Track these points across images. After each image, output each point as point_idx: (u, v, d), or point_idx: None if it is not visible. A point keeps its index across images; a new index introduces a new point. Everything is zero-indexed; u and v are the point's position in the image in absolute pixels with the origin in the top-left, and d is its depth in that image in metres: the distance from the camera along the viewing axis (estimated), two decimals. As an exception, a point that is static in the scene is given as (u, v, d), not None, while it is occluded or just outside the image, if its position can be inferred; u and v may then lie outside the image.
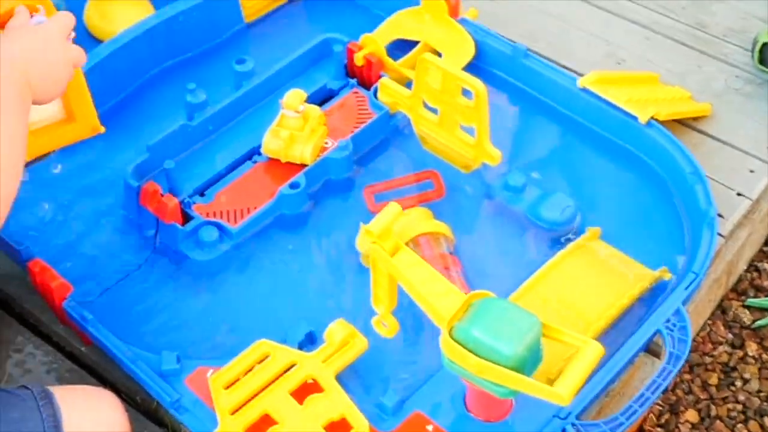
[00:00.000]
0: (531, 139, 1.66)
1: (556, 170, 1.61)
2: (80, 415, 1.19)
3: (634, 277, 1.43)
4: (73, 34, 1.17)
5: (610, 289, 1.42)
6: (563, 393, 1.12)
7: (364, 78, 1.70)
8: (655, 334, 1.34)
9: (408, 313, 1.35)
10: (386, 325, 1.32)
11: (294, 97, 1.54)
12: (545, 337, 1.19)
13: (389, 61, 1.69)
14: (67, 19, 1.17)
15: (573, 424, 1.24)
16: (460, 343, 1.17)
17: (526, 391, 1.15)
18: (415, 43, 1.77)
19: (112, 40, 1.69)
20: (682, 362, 1.30)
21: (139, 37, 1.70)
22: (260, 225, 1.51)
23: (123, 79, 1.70)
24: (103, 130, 1.32)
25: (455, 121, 1.55)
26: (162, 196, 1.47)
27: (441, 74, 1.52)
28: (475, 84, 1.49)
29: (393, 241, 1.22)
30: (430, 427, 1.27)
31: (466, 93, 1.50)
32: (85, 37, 1.78)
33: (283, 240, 1.52)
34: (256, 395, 1.27)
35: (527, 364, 1.16)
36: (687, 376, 1.67)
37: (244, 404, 1.26)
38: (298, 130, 1.54)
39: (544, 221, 1.51)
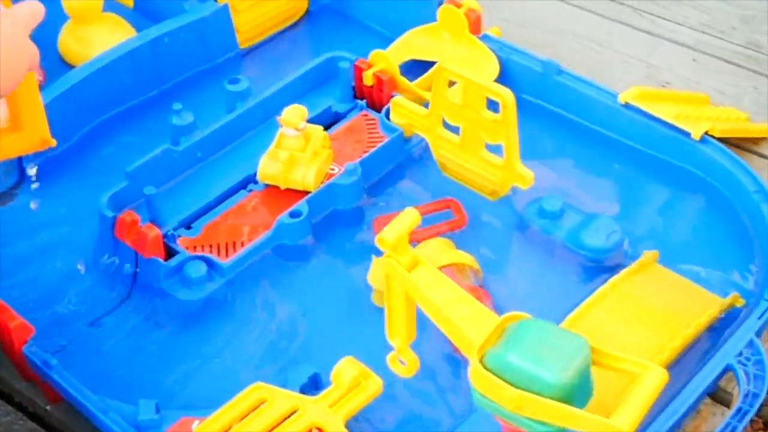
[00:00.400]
0: (566, 163, 1.53)
1: (596, 194, 1.48)
2: None
3: (700, 304, 1.28)
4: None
5: (672, 318, 1.27)
6: (622, 425, 0.97)
7: (374, 99, 1.57)
8: (725, 370, 1.19)
9: (430, 346, 1.19)
10: (404, 363, 1.16)
11: (293, 113, 1.41)
12: (596, 364, 1.04)
13: (403, 79, 1.57)
14: (36, 7, 1.05)
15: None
16: (494, 373, 1.02)
17: (575, 427, 0.99)
18: (430, 64, 1.64)
19: (89, 62, 1.58)
20: (759, 401, 1.15)
21: (120, 59, 1.58)
22: (255, 258, 1.36)
23: (100, 104, 1.58)
24: (54, 143, 1.17)
25: (480, 139, 1.42)
26: (141, 226, 1.32)
27: (463, 85, 1.39)
28: (502, 92, 1.36)
29: (411, 254, 1.08)
30: (461, 484, 1.10)
31: (491, 106, 1.37)
32: (58, 65, 1.66)
33: (282, 276, 1.37)
34: (250, 448, 1.11)
35: (575, 395, 1.01)
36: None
37: (235, 458, 1.10)
38: (299, 151, 1.41)
39: (587, 249, 1.37)
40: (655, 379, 1.01)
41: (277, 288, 1.37)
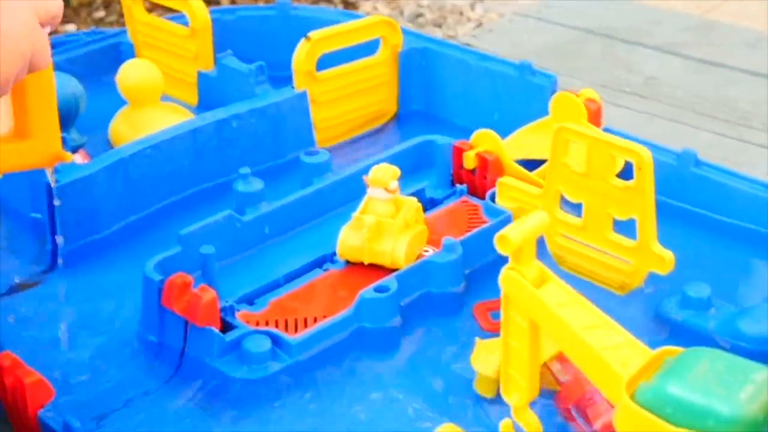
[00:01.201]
0: (705, 267, 1.38)
1: (746, 293, 1.33)
2: None
3: None
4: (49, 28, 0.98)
5: None
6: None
7: (477, 185, 1.46)
8: None
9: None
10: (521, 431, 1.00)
11: (383, 171, 1.30)
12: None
13: (512, 163, 1.46)
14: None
15: None
16: (648, 410, 0.85)
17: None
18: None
19: (144, 138, 1.49)
20: None
21: (180, 137, 1.50)
22: (331, 340, 1.22)
23: (152, 188, 1.48)
24: (69, 158, 1.09)
25: (607, 217, 1.29)
26: (194, 289, 1.20)
27: (587, 147, 1.28)
28: (638, 150, 1.24)
29: (538, 267, 0.94)
30: None
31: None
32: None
33: (362, 362, 1.23)
34: None
35: (761, 437, 0.84)
36: None
37: None
38: (388, 217, 1.29)
39: (747, 339, 1.21)
40: None
41: (355, 375, 1.22)
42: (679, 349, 0.91)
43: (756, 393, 0.84)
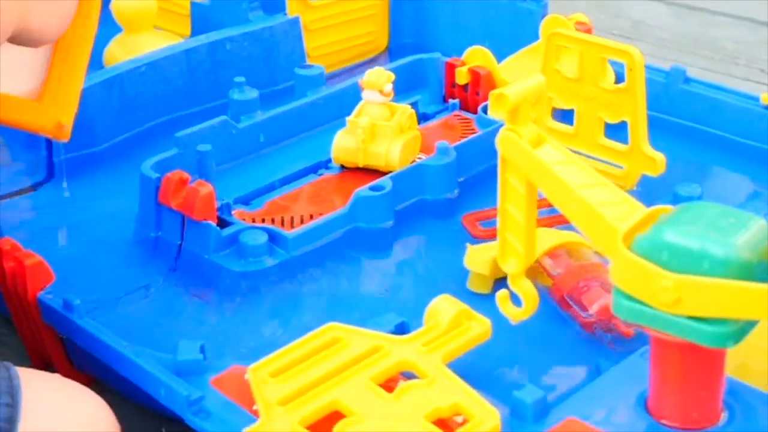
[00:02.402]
0: (695, 172, 1.39)
1: (733, 194, 1.34)
2: (51, 402, 0.90)
3: None
4: None
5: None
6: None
7: (469, 101, 1.46)
8: None
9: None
10: (519, 301, 1.00)
11: (378, 75, 1.30)
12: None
13: (505, 80, 1.46)
14: None
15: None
16: (644, 258, 0.86)
17: (755, 313, 0.82)
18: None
19: (138, 57, 1.49)
20: None
21: (174, 57, 1.50)
22: (326, 238, 1.22)
23: (146, 107, 1.48)
24: (67, 137, 1.03)
25: (598, 121, 1.30)
26: (191, 184, 1.20)
27: (579, 52, 1.29)
28: (629, 50, 1.25)
29: (534, 129, 0.94)
30: (593, 436, 0.92)
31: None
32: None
33: (357, 259, 1.23)
34: (320, 384, 0.94)
35: (754, 279, 0.84)
36: None
37: (300, 396, 0.93)
38: (383, 120, 1.30)
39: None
40: None
41: (351, 269, 1.22)
42: (673, 207, 0.91)
43: (750, 238, 0.85)
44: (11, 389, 0.90)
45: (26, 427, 0.88)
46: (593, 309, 1.11)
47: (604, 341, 1.08)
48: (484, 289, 1.18)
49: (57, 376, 0.97)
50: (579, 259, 1.16)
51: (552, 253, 1.17)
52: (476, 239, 1.26)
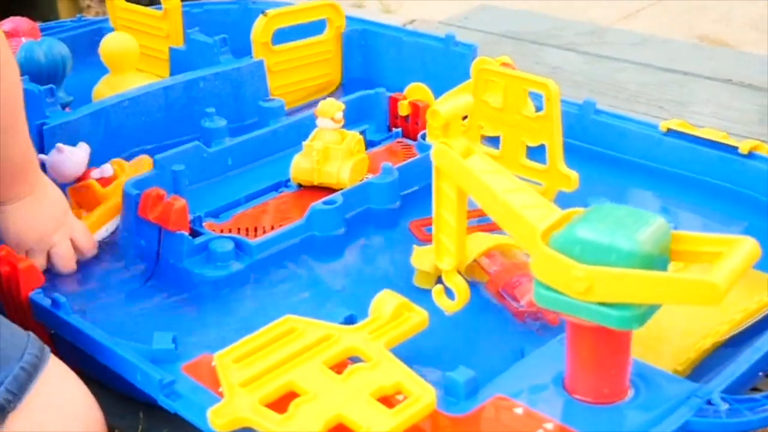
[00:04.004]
0: (605, 190, 1.37)
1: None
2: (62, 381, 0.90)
3: (761, 282, 1.10)
4: None
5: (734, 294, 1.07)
6: (717, 280, 0.78)
7: (410, 130, 1.44)
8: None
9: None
10: (453, 295, 0.98)
11: (330, 105, 1.28)
12: (675, 253, 0.86)
13: (439, 110, 1.44)
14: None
15: (723, 398, 0.87)
16: (559, 253, 0.84)
17: (658, 297, 0.81)
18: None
19: (122, 93, 1.46)
20: None
21: (154, 93, 1.47)
22: (285, 244, 1.20)
23: (130, 136, 1.45)
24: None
25: (521, 144, 1.29)
26: (167, 198, 1.17)
27: (504, 84, 1.28)
28: (546, 82, 1.24)
29: (464, 141, 0.92)
30: (519, 410, 0.89)
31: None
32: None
33: (313, 262, 1.20)
34: (277, 368, 0.91)
35: (655, 269, 0.83)
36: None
37: (260, 378, 0.90)
38: (334, 144, 1.27)
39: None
40: (748, 247, 0.83)
41: (308, 271, 1.19)
42: (586, 209, 0.89)
43: (651, 234, 0.84)
44: (42, 349, 0.92)
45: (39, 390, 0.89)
46: (524, 301, 1.10)
47: (534, 328, 1.06)
48: (429, 285, 1.14)
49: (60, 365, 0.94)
50: (511, 258, 1.15)
51: (488, 254, 1.15)
52: (422, 242, 1.23)
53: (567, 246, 0.84)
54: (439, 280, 1.12)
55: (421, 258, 1.16)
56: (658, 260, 0.83)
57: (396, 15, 2.69)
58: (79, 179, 1.24)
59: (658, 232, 0.84)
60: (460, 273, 1.02)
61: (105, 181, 1.25)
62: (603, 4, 2.63)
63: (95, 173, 1.26)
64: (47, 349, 0.93)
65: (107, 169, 1.26)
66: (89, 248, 1.17)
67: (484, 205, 0.91)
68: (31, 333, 0.93)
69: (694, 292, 0.79)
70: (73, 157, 1.23)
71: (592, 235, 0.83)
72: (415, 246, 1.17)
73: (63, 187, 1.21)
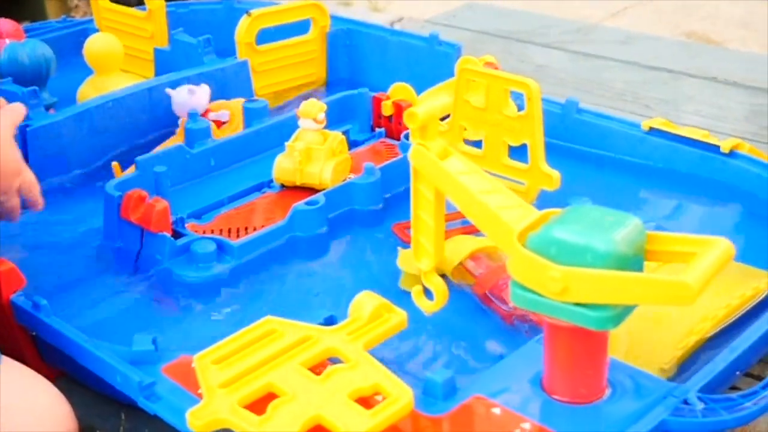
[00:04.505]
0: (586, 188, 1.37)
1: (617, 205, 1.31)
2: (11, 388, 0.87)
3: (747, 279, 1.10)
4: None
5: (716, 290, 1.08)
6: (690, 280, 0.78)
7: (393, 130, 1.45)
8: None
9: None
10: (431, 295, 0.98)
11: (312, 105, 1.28)
12: (650, 253, 0.87)
13: (422, 109, 1.45)
14: (18, 111, 1.05)
15: (700, 397, 0.88)
16: (536, 254, 0.84)
17: (632, 297, 0.81)
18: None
19: (108, 93, 1.46)
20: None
21: (138, 94, 1.47)
22: (268, 246, 1.20)
23: (115, 136, 1.45)
24: None
25: (503, 144, 1.29)
26: (148, 200, 1.17)
27: (486, 84, 1.28)
28: (527, 82, 1.24)
29: (441, 143, 0.92)
30: (497, 410, 0.90)
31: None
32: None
33: (295, 263, 1.21)
34: (257, 369, 0.91)
35: (630, 270, 0.83)
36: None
37: (239, 379, 0.90)
38: (317, 144, 1.28)
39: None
40: (722, 247, 0.83)
41: (290, 272, 1.19)
42: (562, 209, 0.90)
43: (627, 235, 0.84)
44: None
45: None
46: (512, 303, 1.09)
47: (522, 330, 1.06)
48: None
49: (21, 367, 0.93)
50: (496, 260, 1.15)
51: (473, 257, 1.15)
52: (406, 244, 1.23)
53: (543, 246, 0.84)
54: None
55: (407, 260, 1.16)
56: (633, 260, 0.84)
57: (384, 13, 2.69)
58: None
59: (633, 232, 0.84)
60: (445, 276, 1.03)
61: (219, 124, 1.42)
62: (590, 2, 2.64)
63: (212, 115, 1.42)
64: None
65: (224, 114, 1.42)
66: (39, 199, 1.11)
67: (462, 206, 0.91)
68: None
69: (668, 292, 0.79)
70: (198, 99, 1.41)
71: (567, 235, 0.84)
72: (399, 248, 1.17)
73: None
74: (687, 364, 1.03)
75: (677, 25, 2.56)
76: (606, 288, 0.81)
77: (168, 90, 1.44)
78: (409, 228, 1.25)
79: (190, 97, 1.42)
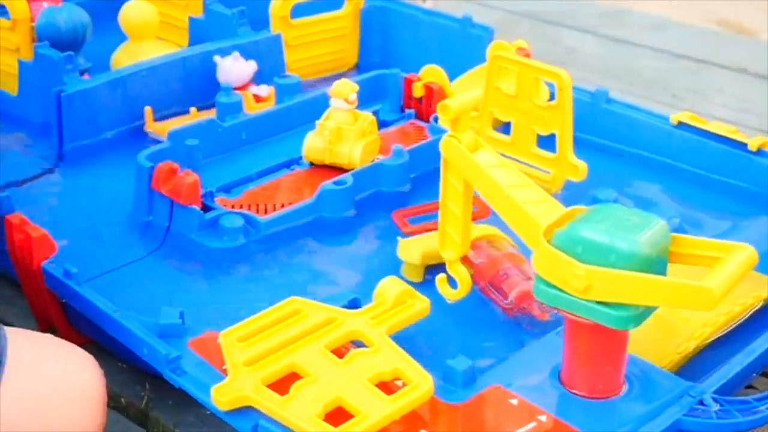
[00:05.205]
0: (613, 180, 1.38)
1: (644, 199, 1.33)
2: (36, 359, 0.88)
3: (751, 285, 1.11)
4: None
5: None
6: (713, 286, 0.80)
7: (423, 111, 1.45)
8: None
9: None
10: (456, 284, 0.99)
11: (344, 85, 1.29)
12: (674, 255, 0.88)
13: (454, 93, 1.45)
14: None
15: (715, 399, 0.89)
16: (561, 251, 0.85)
17: (653, 299, 0.82)
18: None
19: (141, 62, 1.47)
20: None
21: (172, 63, 1.48)
22: (294, 223, 1.21)
23: (148, 103, 1.45)
24: None
25: (531, 133, 1.30)
26: (179, 173, 1.19)
27: (517, 72, 1.29)
28: (559, 72, 1.25)
29: (473, 135, 0.94)
30: (514, 401, 0.91)
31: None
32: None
33: (321, 243, 1.22)
34: (281, 349, 0.93)
35: (653, 272, 0.84)
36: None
37: (263, 358, 0.92)
38: (347, 124, 1.29)
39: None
40: (745, 254, 0.84)
41: (315, 251, 1.21)
42: (589, 207, 0.91)
43: (652, 236, 0.85)
44: None
45: (7, 387, 0.86)
46: (513, 295, 1.09)
47: (523, 323, 1.07)
48: (417, 278, 1.15)
49: (45, 336, 0.95)
50: (498, 249, 1.14)
51: (474, 245, 1.14)
52: (405, 234, 1.22)
53: (569, 244, 0.85)
54: (427, 271, 1.13)
55: (408, 250, 1.16)
56: (656, 262, 0.85)
57: (417, -14, 2.69)
58: (239, 88, 1.45)
59: (658, 234, 0.85)
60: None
61: (258, 99, 1.46)
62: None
63: (253, 89, 1.47)
64: (2, 334, 0.89)
65: (264, 88, 1.47)
66: None
67: (489, 199, 0.92)
68: None
69: (690, 296, 0.80)
70: (243, 68, 1.47)
71: (593, 234, 0.85)
72: (399, 238, 1.17)
73: None
74: (692, 365, 1.04)
75: (710, 11, 2.54)
76: (628, 288, 0.83)
77: (216, 57, 1.48)
78: (409, 216, 1.26)
79: (234, 64, 1.47)
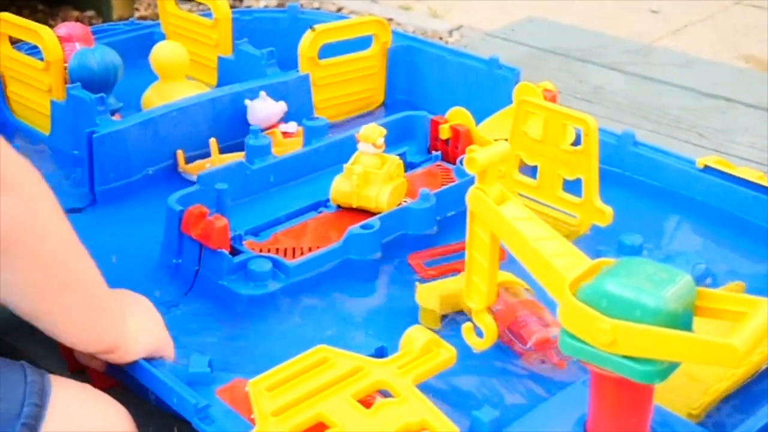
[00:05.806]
0: (639, 223, 1.38)
1: (671, 242, 1.33)
2: (75, 405, 0.90)
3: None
4: None
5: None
6: (737, 344, 0.80)
7: (449, 153, 1.47)
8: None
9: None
10: (482, 333, 1.00)
11: (372, 130, 1.31)
12: (700, 309, 0.88)
13: (480, 135, 1.47)
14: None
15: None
16: (586, 305, 0.86)
17: (678, 355, 0.83)
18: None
19: (171, 102, 1.49)
20: None
21: (201, 104, 1.50)
22: (322, 267, 1.22)
23: (177, 144, 1.47)
24: None
25: (557, 178, 1.30)
26: (209, 217, 1.20)
27: (544, 117, 1.29)
28: (585, 119, 1.26)
29: (499, 188, 0.94)
30: (539, 453, 0.92)
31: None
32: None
33: (348, 287, 1.23)
34: (308, 398, 0.94)
35: (679, 327, 0.85)
36: None
37: (291, 408, 0.93)
38: (374, 168, 1.30)
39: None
40: (771, 311, 0.84)
41: (343, 296, 1.22)
42: (615, 260, 0.91)
43: (677, 291, 0.85)
44: (42, 393, 0.90)
45: (49, 427, 0.89)
46: (532, 341, 1.10)
47: (542, 371, 1.08)
48: (434, 324, 1.15)
49: (83, 386, 0.97)
50: (515, 296, 1.15)
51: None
52: (422, 279, 1.23)
53: (594, 298, 0.86)
54: (445, 319, 1.14)
55: (426, 296, 1.16)
56: (682, 317, 0.85)
57: (443, 20, 2.71)
58: (268, 128, 1.49)
59: (683, 289, 0.86)
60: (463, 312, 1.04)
61: (286, 135, 1.50)
62: (650, 19, 2.64)
63: (282, 126, 1.51)
64: (47, 380, 0.92)
65: (293, 125, 1.51)
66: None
67: (516, 252, 0.93)
68: (27, 370, 0.92)
69: (715, 353, 0.81)
70: (272, 108, 1.51)
71: (619, 289, 0.85)
72: (417, 284, 1.18)
73: None
74: (720, 413, 1.04)
75: (736, 47, 2.55)
76: (653, 344, 0.83)
77: (247, 101, 1.51)
78: (425, 260, 1.27)
79: (264, 105, 1.51)
